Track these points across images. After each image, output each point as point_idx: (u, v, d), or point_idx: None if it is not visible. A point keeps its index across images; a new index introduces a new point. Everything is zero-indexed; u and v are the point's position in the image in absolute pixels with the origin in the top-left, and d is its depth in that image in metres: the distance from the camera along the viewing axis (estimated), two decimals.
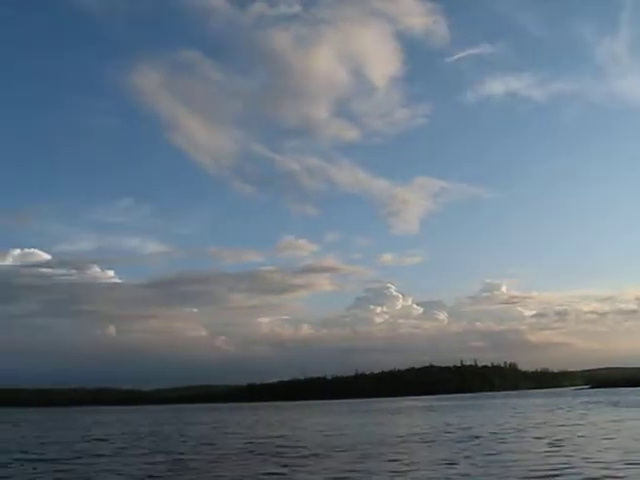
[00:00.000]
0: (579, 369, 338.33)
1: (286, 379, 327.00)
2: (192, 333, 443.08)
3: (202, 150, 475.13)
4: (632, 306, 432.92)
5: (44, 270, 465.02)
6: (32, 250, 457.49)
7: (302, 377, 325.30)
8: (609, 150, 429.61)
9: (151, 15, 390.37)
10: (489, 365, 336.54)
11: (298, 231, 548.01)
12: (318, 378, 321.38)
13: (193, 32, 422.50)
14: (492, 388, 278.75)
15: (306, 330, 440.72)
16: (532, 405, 76.88)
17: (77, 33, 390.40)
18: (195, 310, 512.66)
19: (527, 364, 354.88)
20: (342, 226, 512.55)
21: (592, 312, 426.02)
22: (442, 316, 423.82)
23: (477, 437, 30.25)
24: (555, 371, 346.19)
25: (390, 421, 49.22)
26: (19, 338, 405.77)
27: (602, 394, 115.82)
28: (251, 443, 31.87)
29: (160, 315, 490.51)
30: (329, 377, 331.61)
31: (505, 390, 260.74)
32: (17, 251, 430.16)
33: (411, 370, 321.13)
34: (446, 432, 34.05)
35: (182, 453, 27.86)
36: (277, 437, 35.87)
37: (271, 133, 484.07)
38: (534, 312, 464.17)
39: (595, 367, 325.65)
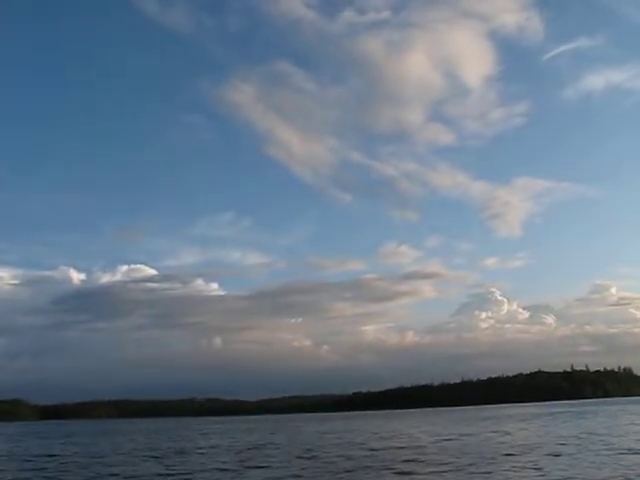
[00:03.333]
0: None
1: (392, 387, 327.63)
2: (296, 343, 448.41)
3: (299, 161, 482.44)
4: None
5: (151, 285, 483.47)
6: (139, 266, 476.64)
7: (408, 385, 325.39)
8: None
9: (240, 29, 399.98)
10: (602, 370, 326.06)
11: (399, 237, 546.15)
12: (424, 385, 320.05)
13: (283, 44, 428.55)
14: (606, 394, 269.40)
15: (411, 337, 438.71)
16: None
17: (171, 54, 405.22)
18: (299, 320, 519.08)
19: None
20: (443, 231, 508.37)
21: None
22: (549, 320, 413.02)
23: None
24: None
25: (512, 429, 49.90)
26: (129, 351, 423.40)
27: None
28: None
29: (264, 326, 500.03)
30: (435, 384, 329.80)
31: (619, 396, 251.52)
32: (125, 267, 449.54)
33: (519, 376, 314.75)
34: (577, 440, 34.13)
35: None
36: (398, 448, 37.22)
37: (367, 140, 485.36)
38: None
39: None
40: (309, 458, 30.55)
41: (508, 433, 45.50)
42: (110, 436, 74.20)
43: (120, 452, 41.94)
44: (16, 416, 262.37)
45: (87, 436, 76.84)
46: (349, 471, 23.35)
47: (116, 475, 25.65)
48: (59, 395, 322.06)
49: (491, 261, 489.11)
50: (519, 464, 23.89)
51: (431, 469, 22.63)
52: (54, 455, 40.30)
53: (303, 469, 25.22)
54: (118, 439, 64.39)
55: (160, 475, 24.04)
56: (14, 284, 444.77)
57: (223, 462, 30.23)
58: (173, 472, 25.07)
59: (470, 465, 23.69)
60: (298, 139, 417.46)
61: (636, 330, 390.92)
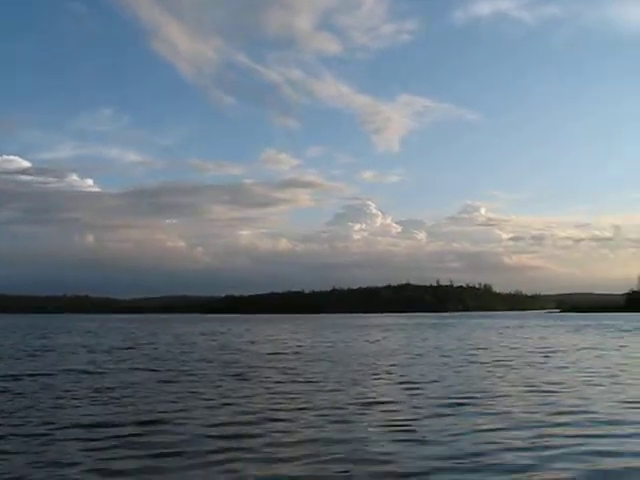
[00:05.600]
0: (552, 293, 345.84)
1: (265, 292, 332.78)
2: (171, 244, 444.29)
3: (184, 59, 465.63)
4: (607, 234, 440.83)
5: (24, 177, 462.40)
6: (12, 157, 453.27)
7: (280, 291, 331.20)
8: (601, 77, 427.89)
9: None
10: (464, 286, 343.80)
11: (280, 145, 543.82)
12: (296, 292, 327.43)
13: None
14: (466, 308, 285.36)
15: (285, 244, 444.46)
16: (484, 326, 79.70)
17: None
18: (175, 221, 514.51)
19: (502, 286, 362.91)
20: (324, 141, 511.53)
21: (568, 238, 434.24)
22: (420, 235, 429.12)
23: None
24: (529, 294, 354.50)
25: (377, 337, 51.30)
26: None
27: (570, 318, 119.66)
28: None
29: (139, 225, 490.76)
30: (307, 291, 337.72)
31: (479, 311, 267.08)
32: None
33: (388, 287, 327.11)
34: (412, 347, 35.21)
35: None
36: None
37: (254, 44, 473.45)
38: (511, 235, 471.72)
39: (568, 292, 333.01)
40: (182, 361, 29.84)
41: (372, 340, 46.72)
42: None
43: None
44: None
45: None
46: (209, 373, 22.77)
47: None
48: None
49: (368, 175, 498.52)
50: (372, 368, 24.31)
51: (282, 377, 22.44)
52: None
53: (169, 371, 24.54)
54: None
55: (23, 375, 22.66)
56: None
57: (90, 362, 29.02)
58: (36, 372, 23.69)
59: (327, 370, 23.75)
60: (184, 36, 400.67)
61: (499, 250, 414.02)
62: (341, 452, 10.39)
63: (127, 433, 12.06)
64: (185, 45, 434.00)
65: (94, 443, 11.28)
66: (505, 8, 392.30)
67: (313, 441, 11.22)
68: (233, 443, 11.15)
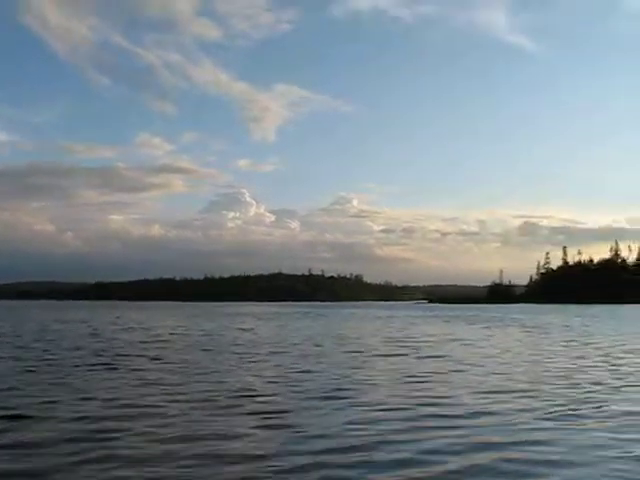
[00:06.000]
0: (421, 284, 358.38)
1: (136, 279, 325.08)
2: (39, 227, 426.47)
3: (57, 35, 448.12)
4: (473, 228, 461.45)
5: None
6: None
7: (152, 277, 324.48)
8: (469, 74, 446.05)
9: None
10: (336, 276, 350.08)
11: (154, 129, 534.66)
12: (168, 279, 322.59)
13: None
14: (338, 298, 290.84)
15: (157, 230, 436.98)
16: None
17: None
18: (43, 204, 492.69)
19: (373, 277, 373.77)
20: (199, 127, 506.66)
21: (436, 231, 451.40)
22: (294, 225, 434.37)
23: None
24: (399, 285, 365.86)
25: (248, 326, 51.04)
26: None
27: (438, 309, 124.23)
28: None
29: (5, 207, 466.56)
30: (178, 279, 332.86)
31: (350, 300, 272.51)
32: None
33: (260, 276, 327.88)
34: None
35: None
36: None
37: (132, 25, 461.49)
38: (382, 227, 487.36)
39: (436, 283, 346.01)
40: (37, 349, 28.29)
41: (246, 329, 46.45)
42: None
43: None
44: None
45: None
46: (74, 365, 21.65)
47: None
48: None
49: (243, 163, 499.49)
50: (246, 357, 24.08)
51: (152, 366, 21.74)
52: None
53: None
54: None
55: None
56: None
57: None
58: None
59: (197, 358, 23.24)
60: (58, 12, 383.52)
61: (370, 241, 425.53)
62: (211, 447, 9.93)
63: None
64: (58, 21, 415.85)
65: None
66: (385, 5, 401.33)
67: (183, 438, 10.67)
68: (99, 439, 10.46)
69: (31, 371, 19.40)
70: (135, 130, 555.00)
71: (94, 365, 21.05)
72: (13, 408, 13.02)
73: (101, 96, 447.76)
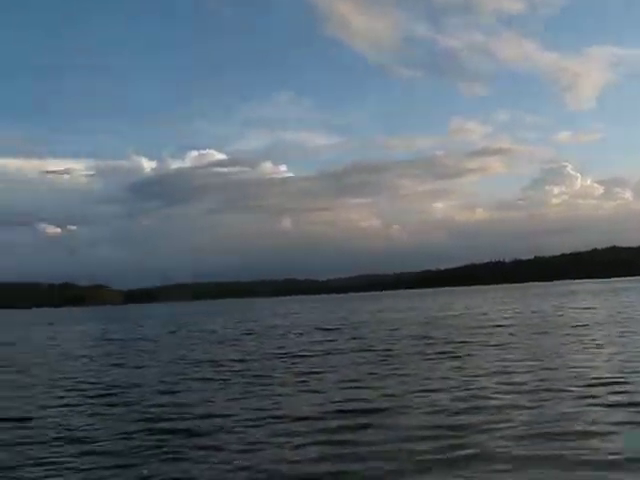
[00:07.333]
0: None
1: (463, 264, 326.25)
2: (365, 223, 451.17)
3: (360, 37, 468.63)
4: None
5: (220, 169, 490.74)
6: (207, 151, 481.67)
7: (479, 262, 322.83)
8: None
9: None
10: None
11: (467, 113, 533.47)
12: (496, 262, 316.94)
13: None
14: None
15: (480, 214, 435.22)
16: None
17: None
18: (368, 200, 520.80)
19: None
20: (512, 105, 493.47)
21: None
22: (626, 194, 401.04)
23: None
24: None
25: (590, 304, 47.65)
26: (201, 235, 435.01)
27: None
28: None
29: (333, 206, 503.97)
30: (507, 261, 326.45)
31: None
32: (194, 153, 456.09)
33: (593, 252, 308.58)
34: None
35: None
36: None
37: (431, 12, 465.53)
38: None
39: None
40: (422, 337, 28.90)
41: (585, 308, 43.34)
42: (216, 317, 75.50)
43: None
44: (100, 300, 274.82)
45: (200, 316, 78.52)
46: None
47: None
48: (138, 280, 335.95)
49: (563, 135, 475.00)
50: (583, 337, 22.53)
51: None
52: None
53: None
54: (221, 319, 64.94)
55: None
56: (89, 175, 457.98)
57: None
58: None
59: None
60: (357, 15, 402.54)
61: None
62: (577, 449, 8.77)
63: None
64: (360, 23, 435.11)
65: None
66: None
67: (543, 435, 9.64)
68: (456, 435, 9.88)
69: (384, 362, 19.62)
70: (448, 116, 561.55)
71: (438, 353, 20.87)
72: (363, 400, 13.05)
73: (410, 88, 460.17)
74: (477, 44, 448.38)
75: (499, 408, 11.62)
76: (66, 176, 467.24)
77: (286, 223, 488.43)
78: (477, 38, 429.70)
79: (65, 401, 14.99)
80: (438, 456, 8.73)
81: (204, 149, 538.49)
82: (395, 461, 8.62)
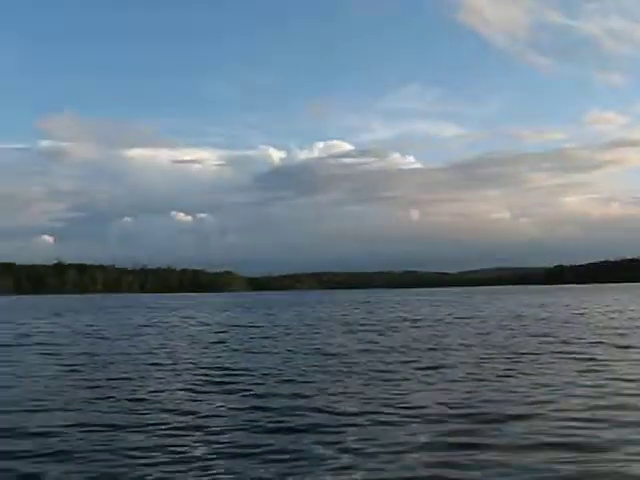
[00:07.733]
0: None
1: (597, 260, 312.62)
2: (494, 215, 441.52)
3: (491, 26, 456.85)
4: None
5: (347, 160, 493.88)
6: (335, 142, 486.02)
7: (614, 259, 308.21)
8: None
9: None
10: None
11: (603, 103, 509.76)
12: (632, 259, 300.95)
13: None
14: None
15: (616, 209, 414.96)
16: None
17: None
18: (496, 192, 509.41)
19: None
20: None
21: None
22: None
23: None
24: None
25: None
26: (328, 225, 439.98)
27: None
28: None
29: (461, 198, 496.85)
30: None
31: None
32: (321, 143, 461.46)
33: None
34: None
35: None
36: None
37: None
38: None
39: None
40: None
41: None
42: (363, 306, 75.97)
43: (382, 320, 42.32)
44: (229, 287, 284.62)
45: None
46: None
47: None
48: (265, 268, 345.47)
49: None
50: None
51: None
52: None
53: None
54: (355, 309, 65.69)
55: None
56: (219, 164, 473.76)
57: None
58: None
59: None
60: (491, 3, 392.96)
61: None
62: None
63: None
64: (494, 12, 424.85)
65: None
66: None
67: None
68: None
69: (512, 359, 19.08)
70: (581, 107, 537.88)
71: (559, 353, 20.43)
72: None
73: (544, 78, 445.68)
74: (616, 30, 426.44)
75: None
76: (197, 165, 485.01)
77: (414, 215, 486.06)
78: (616, 23, 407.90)
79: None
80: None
81: (331, 140, 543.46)
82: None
